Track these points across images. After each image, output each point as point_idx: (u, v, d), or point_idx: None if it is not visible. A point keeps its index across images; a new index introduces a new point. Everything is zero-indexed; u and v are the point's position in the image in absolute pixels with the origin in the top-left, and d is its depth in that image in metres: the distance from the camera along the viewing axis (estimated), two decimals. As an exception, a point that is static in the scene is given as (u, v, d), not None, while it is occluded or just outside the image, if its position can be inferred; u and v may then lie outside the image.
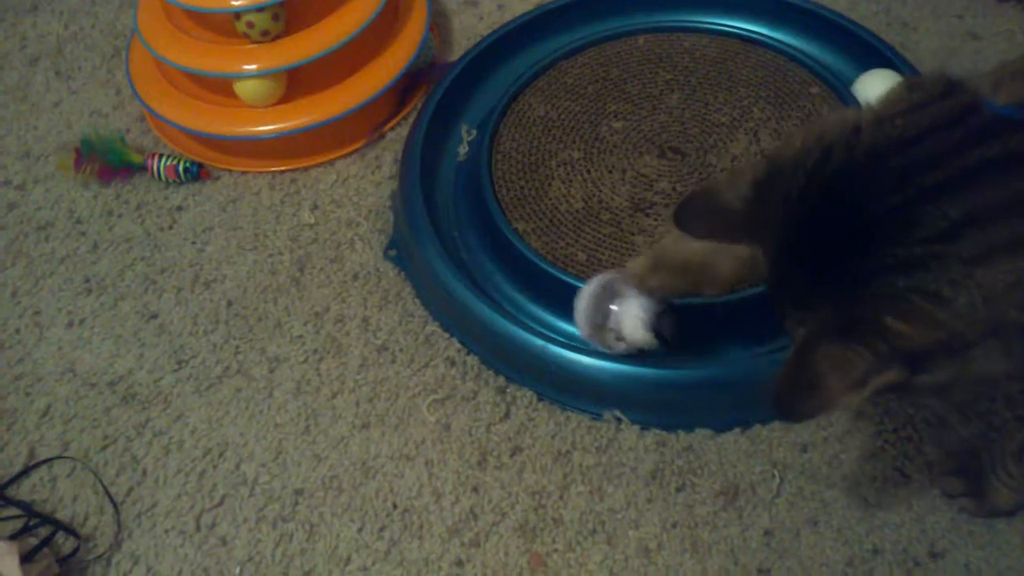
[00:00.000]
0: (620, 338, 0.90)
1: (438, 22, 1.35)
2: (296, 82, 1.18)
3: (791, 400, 0.64)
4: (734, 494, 0.89)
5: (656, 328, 0.88)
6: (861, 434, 0.91)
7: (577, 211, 1.05)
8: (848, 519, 0.87)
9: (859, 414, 0.92)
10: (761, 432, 0.92)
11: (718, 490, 0.89)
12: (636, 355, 0.91)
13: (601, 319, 0.90)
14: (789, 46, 1.16)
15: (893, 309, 0.61)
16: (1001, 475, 0.83)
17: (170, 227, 1.15)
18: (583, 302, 0.90)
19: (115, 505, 0.92)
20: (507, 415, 0.96)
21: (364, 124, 1.22)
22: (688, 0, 1.22)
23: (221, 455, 0.96)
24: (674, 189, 1.05)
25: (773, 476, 0.89)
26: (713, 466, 0.91)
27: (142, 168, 1.19)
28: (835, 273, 0.63)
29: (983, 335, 0.61)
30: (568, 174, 1.08)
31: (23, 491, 0.94)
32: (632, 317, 0.88)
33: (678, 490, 0.89)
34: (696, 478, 0.90)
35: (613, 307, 0.89)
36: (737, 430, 0.93)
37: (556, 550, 0.87)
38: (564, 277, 0.98)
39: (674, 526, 0.87)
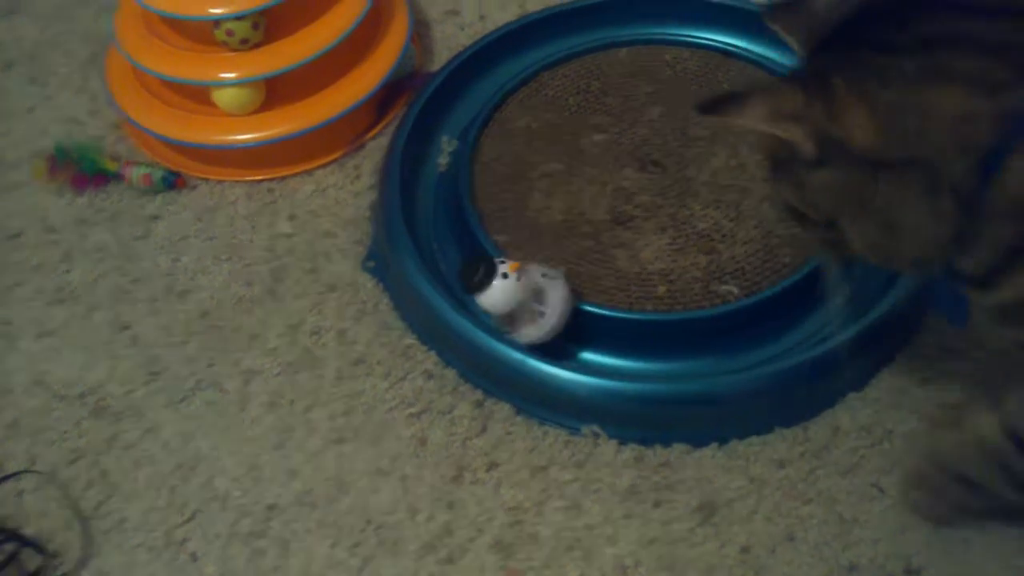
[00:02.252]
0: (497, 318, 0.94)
1: (419, 32, 1.34)
2: (275, 91, 1.17)
3: (717, 99, 0.70)
4: (711, 510, 0.88)
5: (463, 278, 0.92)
6: (838, 449, 0.91)
7: (557, 223, 1.04)
8: (825, 535, 0.86)
9: (836, 429, 0.92)
10: (738, 447, 0.92)
11: (695, 506, 0.88)
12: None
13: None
14: (770, 59, 1.16)
15: (846, 75, 0.66)
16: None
17: (144, 236, 1.14)
18: None
19: (83, 521, 0.91)
20: (484, 429, 0.95)
21: (344, 134, 1.21)
22: (669, 13, 1.22)
23: (193, 469, 0.94)
24: (654, 202, 1.05)
25: (750, 492, 0.89)
26: (691, 482, 0.90)
27: (117, 176, 1.18)
28: (842, 44, 0.68)
29: (903, 160, 0.65)
30: (548, 186, 1.08)
31: (-11, 506, 0.93)
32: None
33: (655, 506, 0.89)
34: (673, 494, 0.89)
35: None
36: (714, 445, 0.92)
37: (532, 567, 0.86)
38: (542, 290, 0.97)
39: (651, 543, 0.87)
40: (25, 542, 0.89)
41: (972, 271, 0.69)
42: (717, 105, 0.70)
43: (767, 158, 0.74)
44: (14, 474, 0.94)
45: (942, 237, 0.67)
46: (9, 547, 0.88)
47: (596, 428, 0.93)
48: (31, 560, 0.88)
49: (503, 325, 0.94)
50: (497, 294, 0.91)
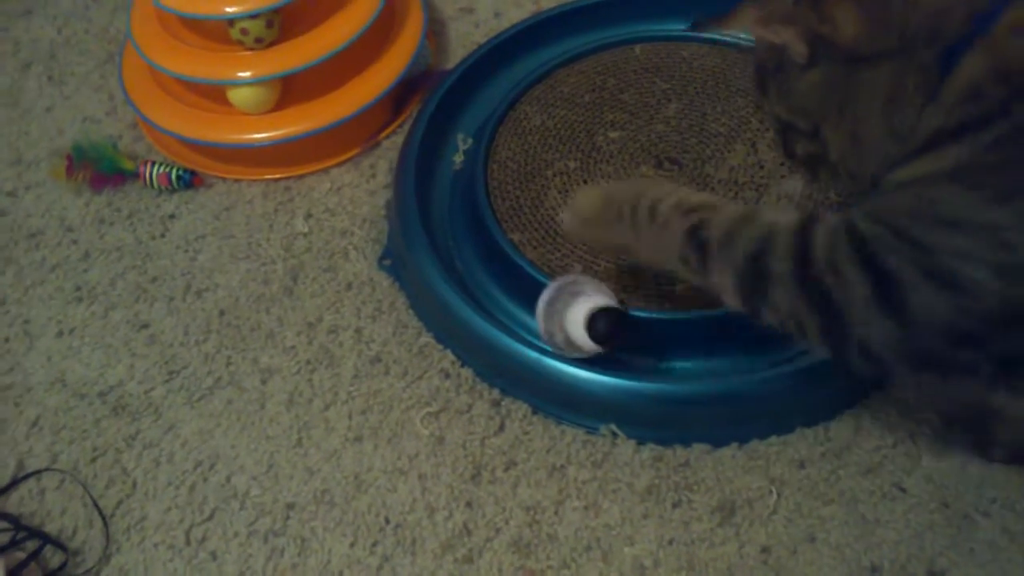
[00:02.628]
0: (570, 342, 0.90)
1: (434, 29, 1.34)
2: (290, 89, 1.17)
3: (712, 16, 0.75)
4: (731, 510, 0.88)
5: (590, 326, 0.88)
6: (860, 449, 0.91)
7: (573, 222, 1.04)
8: (846, 536, 0.86)
9: (858, 429, 0.92)
10: (758, 447, 0.91)
11: (715, 506, 0.88)
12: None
13: (552, 322, 0.91)
14: (787, 56, 1.16)
15: None
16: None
17: (162, 235, 1.14)
18: (540, 304, 0.92)
19: (104, 518, 0.91)
20: (501, 428, 0.95)
21: (359, 132, 1.21)
22: (685, 9, 1.20)
23: (212, 468, 0.95)
24: (671, 200, 1.04)
25: (770, 492, 0.88)
26: (710, 482, 0.90)
27: (134, 175, 1.18)
28: None
29: (881, 53, 0.69)
30: (564, 184, 1.07)
31: (11, 504, 0.93)
32: (574, 319, 0.89)
33: (674, 506, 0.88)
34: (693, 494, 0.89)
35: (559, 308, 0.91)
36: (734, 445, 0.92)
37: (550, 567, 0.86)
38: (560, 289, 0.97)
39: (670, 543, 0.86)
40: (47, 540, 0.89)
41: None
42: (710, 19, 0.74)
43: (757, 74, 0.79)
44: (36, 472, 0.95)
45: (892, 152, 0.71)
46: (31, 544, 0.89)
47: (614, 428, 0.93)
48: (53, 557, 0.89)
49: (555, 342, 0.92)
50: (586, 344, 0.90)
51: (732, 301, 0.76)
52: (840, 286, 0.70)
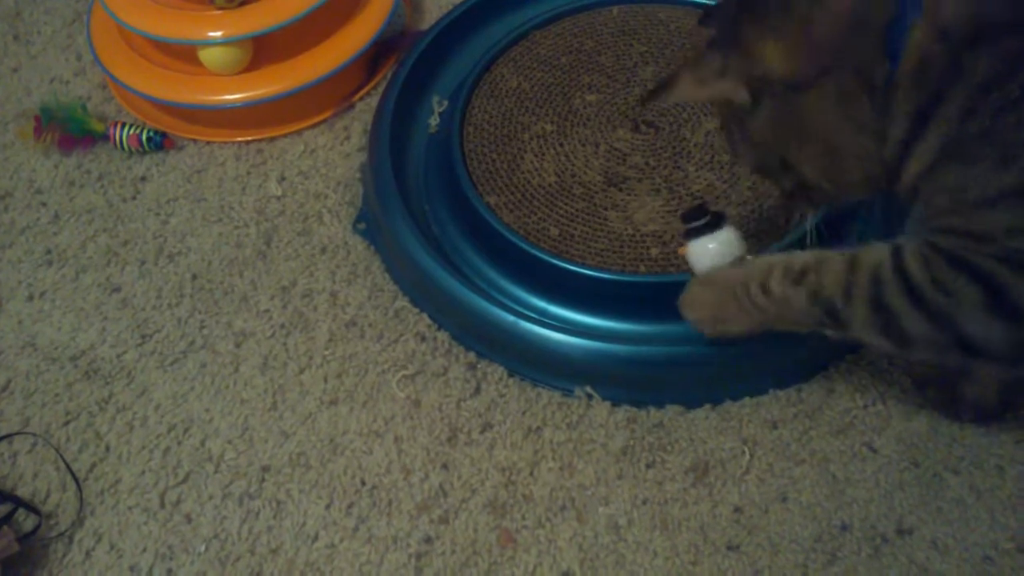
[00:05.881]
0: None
1: (409, -10, 1.33)
2: (263, 50, 1.15)
3: (653, 89, 0.78)
4: (704, 470, 0.89)
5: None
6: (831, 411, 0.92)
7: (549, 185, 1.03)
8: (817, 495, 0.87)
9: (830, 391, 0.93)
10: (731, 409, 0.92)
11: (688, 466, 0.89)
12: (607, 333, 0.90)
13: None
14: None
15: (752, 19, 0.71)
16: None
17: (133, 198, 1.13)
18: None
19: (77, 482, 0.91)
20: (477, 391, 0.95)
21: (333, 93, 1.20)
22: (663, -29, 1.20)
23: (186, 431, 0.94)
24: (647, 164, 1.04)
25: (743, 452, 0.89)
26: (683, 443, 0.90)
27: (104, 137, 1.16)
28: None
29: (820, 71, 0.69)
30: (541, 147, 1.07)
31: (-18, 468, 0.92)
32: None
33: (648, 466, 0.89)
34: (666, 455, 0.90)
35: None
36: (708, 406, 0.92)
37: (526, 526, 0.87)
38: (536, 252, 0.97)
39: (644, 503, 0.87)
40: (20, 503, 0.89)
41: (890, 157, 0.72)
42: (653, 94, 0.77)
43: (722, 125, 0.79)
44: (8, 435, 0.94)
45: (871, 147, 0.71)
46: (4, 508, 0.88)
47: (589, 390, 0.93)
48: (26, 520, 0.88)
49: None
50: (714, 245, 0.86)
51: (887, 347, 0.76)
52: (950, 300, 0.70)
